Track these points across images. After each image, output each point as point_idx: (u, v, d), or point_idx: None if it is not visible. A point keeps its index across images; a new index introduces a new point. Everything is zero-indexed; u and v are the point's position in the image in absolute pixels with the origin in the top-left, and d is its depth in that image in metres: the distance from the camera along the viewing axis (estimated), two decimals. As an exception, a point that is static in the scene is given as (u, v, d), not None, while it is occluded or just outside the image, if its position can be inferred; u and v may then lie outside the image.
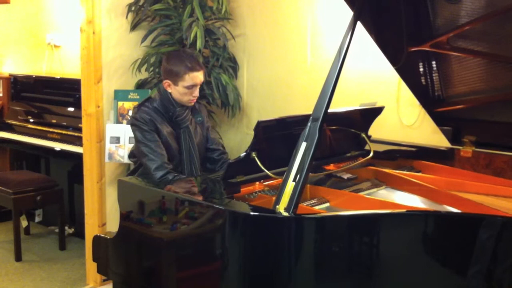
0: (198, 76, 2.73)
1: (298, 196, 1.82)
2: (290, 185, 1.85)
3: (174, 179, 2.60)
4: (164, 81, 2.76)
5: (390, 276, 1.84)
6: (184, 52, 2.82)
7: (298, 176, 1.85)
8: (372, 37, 2.58)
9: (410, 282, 1.84)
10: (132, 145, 3.39)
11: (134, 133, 2.75)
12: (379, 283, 1.85)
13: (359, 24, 2.22)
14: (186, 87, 2.71)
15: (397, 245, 1.83)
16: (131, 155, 2.98)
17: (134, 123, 2.73)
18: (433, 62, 2.66)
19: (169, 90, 2.76)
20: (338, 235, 1.84)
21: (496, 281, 1.83)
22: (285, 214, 1.81)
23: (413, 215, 1.88)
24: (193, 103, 2.81)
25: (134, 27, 3.72)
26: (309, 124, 1.95)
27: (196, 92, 2.76)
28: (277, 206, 1.84)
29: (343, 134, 2.75)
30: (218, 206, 1.93)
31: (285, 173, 1.89)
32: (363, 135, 2.76)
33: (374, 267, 1.85)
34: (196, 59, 2.77)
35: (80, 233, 4.45)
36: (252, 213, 1.88)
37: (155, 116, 2.74)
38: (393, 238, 1.83)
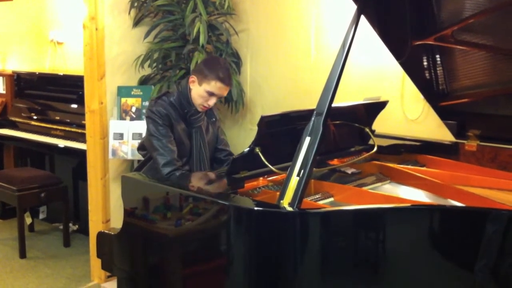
0: (222, 90, 2.72)
1: (302, 191, 1.81)
2: (294, 180, 1.84)
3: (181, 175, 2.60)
4: (191, 76, 2.77)
5: (395, 270, 1.83)
6: (224, 63, 2.80)
7: (302, 171, 1.84)
8: (375, 31, 2.56)
9: (416, 276, 1.83)
10: (136, 141, 3.40)
11: (147, 126, 2.75)
12: (385, 277, 1.84)
13: (362, 18, 2.21)
14: (207, 91, 2.70)
15: (402, 240, 1.82)
16: (141, 147, 2.97)
17: (150, 116, 2.73)
18: (437, 56, 2.64)
19: (191, 86, 2.76)
20: (343, 230, 1.83)
21: (503, 275, 1.81)
22: (289, 209, 1.80)
23: (418, 209, 1.87)
24: (203, 111, 2.81)
25: (136, 23, 3.71)
26: (313, 118, 1.94)
27: (212, 102, 2.75)
28: (281, 201, 1.83)
29: (347, 129, 2.74)
30: (222, 201, 1.92)
31: (289, 168, 1.88)
32: (367, 129, 2.75)
33: (379, 262, 1.84)
34: (229, 74, 2.75)
35: (84, 230, 4.44)
36: (256, 208, 1.88)
37: (171, 111, 2.74)
38: (398, 233, 1.82)
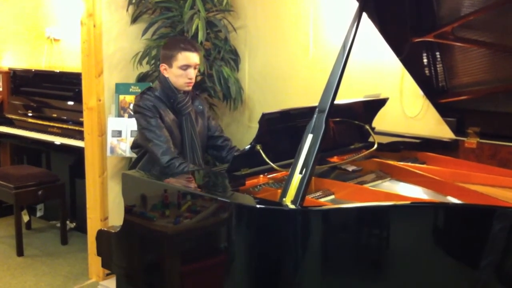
0: (191, 57, 2.75)
1: (304, 189, 1.80)
2: (296, 178, 1.83)
3: (181, 165, 2.60)
4: (161, 65, 2.81)
5: (399, 267, 1.83)
6: (180, 37, 2.88)
7: (305, 168, 1.83)
8: (376, 27, 2.55)
9: (420, 273, 1.82)
10: (134, 138, 3.38)
11: (138, 121, 2.75)
12: (388, 275, 1.84)
13: (363, 15, 2.20)
14: (179, 67, 2.73)
15: (405, 237, 1.81)
16: (134, 145, 2.97)
17: (138, 110, 2.74)
18: (437, 53, 2.64)
19: (166, 74, 2.79)
20: (345, 227, 1.83)
21: (508, 272, 1.81)
22: (292, 206, 1.80)
23: (423, 206, 1.86)
24: (190, 86, 2.82)
25: (134, 20, 3.70)
26: (315, 115, 1.93)
27: (191, 74, 2.77)
28: (284, 199, 1.82)
29: (347, 126, 2.74)
30: (224, 199, 1.91)
31: (292, 166, 1.87)
32: (367, 127, 2.74)
33: (382, 260, 1.83)
34: (191, 42, 2.82)
35: (81, 228, 4.44)
36: (258, 206, 1.87)
37: (158, 103, 2.76)
38: (402, 230, 1.81)
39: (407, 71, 2.82)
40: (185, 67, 2.74)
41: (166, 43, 2.88)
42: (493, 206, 1.89)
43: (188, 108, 2.83)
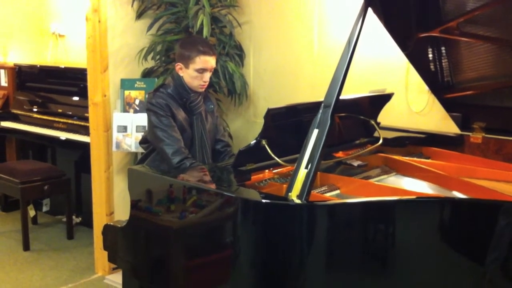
0: (209, 61, 2.74)
1: (310, 184, 1.81)
2: (302, 173, 1.83)
3: (191, 165, 2.60)
4: (176, 64, 2.80)
5: (404, 264, 1.83)
6: (198, 37, 2.88)
7: (310, 163, 1.84)
8: (382, 22, 2.55)
9: (424, 269, 1.82)
10: (139, 133, 3.40)
11: (149, 118, 2.76)
12: (392, 270, 1.84)
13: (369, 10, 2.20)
14: (196, 70, 2.73)
15: (411, 232, 1.82)
16: (143, 141, 2.97)
17: (150, 108, 2.74)
18: (443, 48, 2.64)
19: (181, 73, 2.79)
20: (350, 222, 1.83)
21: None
22: (298, 201, 1.80)
23: (429, 201, 1.86)
24: (203, 89, 2.83)
25: (139, 15, 3.70)
26: (320, 111, 1.93)
27: (207, 77, 2.78)
28: (290, 194, 1.83)
29: (352, 121, 2.74)
30: (230, 194, 1.92)
31: (297, 160, 1.88)
32: (373, 122, 2.74)
33: (387, 255, 1.84)
34: (209, 44, 2.81)
35: (87, 222, 4.46)
36: (264, 200, 1.87)
37: (170, 101, 2.76)
38: (408, 225, 1.81)
39: (413, 66, 2.82)
40: (202, 70, 2.74)
41: (184, 42, 2.85)
42: (499, 201, 1.89)
43: (199, 108, 2.84)
